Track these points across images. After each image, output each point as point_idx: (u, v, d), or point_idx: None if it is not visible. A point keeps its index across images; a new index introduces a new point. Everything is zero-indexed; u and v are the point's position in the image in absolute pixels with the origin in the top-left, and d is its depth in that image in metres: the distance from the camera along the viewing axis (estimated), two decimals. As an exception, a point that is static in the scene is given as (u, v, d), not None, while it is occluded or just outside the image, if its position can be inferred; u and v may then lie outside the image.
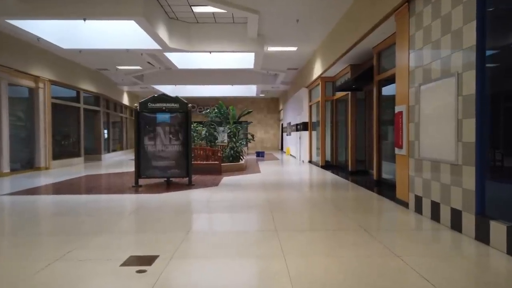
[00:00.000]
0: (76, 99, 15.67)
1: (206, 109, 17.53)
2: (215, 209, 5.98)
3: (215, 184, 8.81)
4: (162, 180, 9.05)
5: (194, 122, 13.70)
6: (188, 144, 8.59)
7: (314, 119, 15.21)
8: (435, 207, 4.82)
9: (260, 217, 5.26)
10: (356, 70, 10.53)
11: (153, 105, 8.54)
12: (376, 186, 8.32)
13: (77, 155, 15.47)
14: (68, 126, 15.35)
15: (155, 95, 8.68)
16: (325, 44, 11.39)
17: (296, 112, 18.09)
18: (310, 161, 15.45)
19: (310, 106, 15.43)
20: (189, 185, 8.53)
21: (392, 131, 8.30)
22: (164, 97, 8.61)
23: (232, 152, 12.43)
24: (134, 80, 18.92)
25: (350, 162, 10.70)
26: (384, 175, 8.48)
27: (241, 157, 12.97)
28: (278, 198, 6.87)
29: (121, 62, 15.22)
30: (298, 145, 17.56)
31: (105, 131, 19.33)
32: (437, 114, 4.80)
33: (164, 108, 8.54)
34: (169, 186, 8.54)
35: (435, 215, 4.83)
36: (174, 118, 8.54)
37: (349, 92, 10.74)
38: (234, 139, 13.13)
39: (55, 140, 13.76)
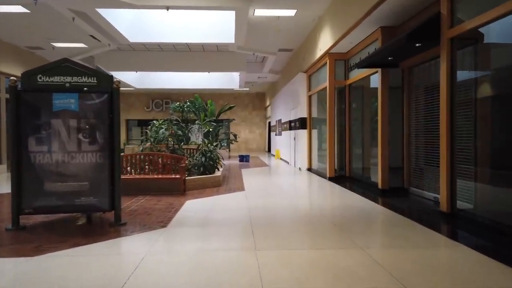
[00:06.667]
0: (-6, 86, 11.52)
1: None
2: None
3: (165, 220, 4.99)
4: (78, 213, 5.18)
5: (161, 119, 9.85)
6: (114, 151, 4.76)
7: (314, 114, 11.56)
8: None
9: None
10: (390, 35, 6.91)
11: (46, 79, 4.66)
12: (448, 223, 4.70)
13: (-6, 162, 11.31)
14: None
15: (52, 62, 4.80)
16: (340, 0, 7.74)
17: (289, 106, 14.42)
18: (309, 169, 11.80)
19: (310, 97, 11.77)
20: (116, 225, 4.71)
21: (476, 128, 4.68)
22: (68, 66, 4.73)
23: (204, 159, 8.59)
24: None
25: (380, 175, 7.06)
26: (461, 203, 4.87)
27: (218, 166, 9.17)
28: (284, 273, 3.12)
29: (55, 37, 11.19)
30: (292, 148, 13.88)
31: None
32: None
33: (67, 85, 4.68)
34: (79, 227, 4.69)
35: None
36: (86, 104, 4.69)
37: (379, 70, 7.11)
38: (206, 141, 9.30)
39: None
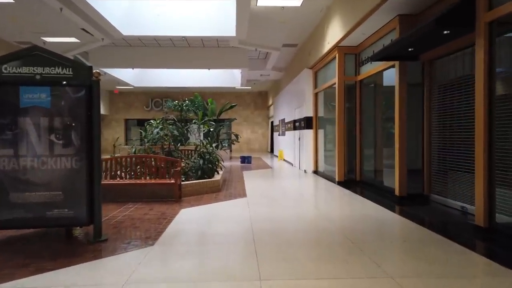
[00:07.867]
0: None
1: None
2: None
3: (154, 236, 4.28)
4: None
5: (159, 119, 9.12)
6: (93, 154, 4.06)
7: (321, 113, 10.84)
8: None
9: None
10: (409, 24, 6.17)
11: (13, 70, 3.96)
12: (488, 241, 3.97)
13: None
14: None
15: (19, 50, 4.10)
16: (351, -13, 7.02)
17: (293, 104, 13.70)
18: (315, 172, 11.08)
19: (316, 95, 11.05)
20: (94, 242, 4.00)
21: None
22: (38, 55, 4.02)
23: (202, 162, 7.88)
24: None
25: (398, 180, 6.33)
26: (499, 216, 4.14)
27: (218, 169, 8.46)
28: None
29: (44, 30, 10.51)
30: (296, 149, 13.16)
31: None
32: None
33: (37, 77, 3.98)
34: (51, 244, 3.99)
35: None
36: (61, 99, 4.00)
37: (396, 63, 6.38)
38: (205, 141, 8.60)
39: None
